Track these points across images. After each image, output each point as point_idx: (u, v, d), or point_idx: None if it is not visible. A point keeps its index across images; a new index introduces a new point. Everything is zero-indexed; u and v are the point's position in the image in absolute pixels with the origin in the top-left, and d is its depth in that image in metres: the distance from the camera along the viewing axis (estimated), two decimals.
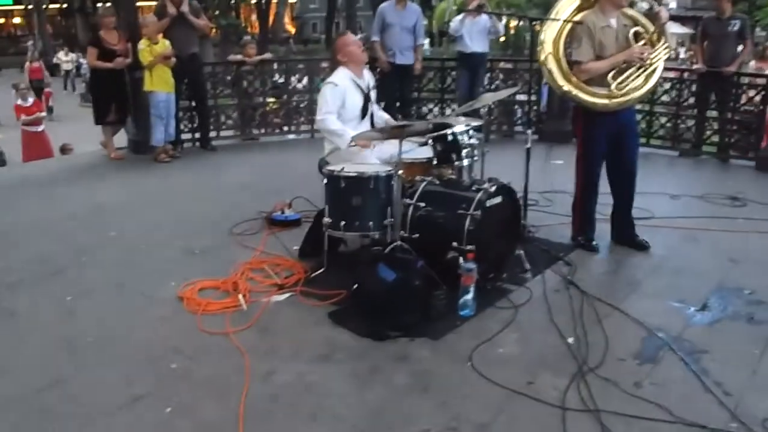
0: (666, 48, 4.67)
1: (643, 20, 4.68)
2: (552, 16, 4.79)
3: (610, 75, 4.55)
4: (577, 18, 4.68)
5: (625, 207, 4.92)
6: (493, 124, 9.26)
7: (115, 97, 7.95)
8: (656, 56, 4.60)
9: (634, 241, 4.92)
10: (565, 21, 4.71)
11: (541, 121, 8.95)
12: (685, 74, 8.27)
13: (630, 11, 4.71)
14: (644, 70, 4.59)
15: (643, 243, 4.89)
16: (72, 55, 29.15)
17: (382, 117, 5.15)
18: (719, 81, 7.80)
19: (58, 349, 3.51)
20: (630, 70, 4.57)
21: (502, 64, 9.74)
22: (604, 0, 4.56)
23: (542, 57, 4.75)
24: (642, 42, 4.59)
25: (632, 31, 4.60)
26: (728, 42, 7.83)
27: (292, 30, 48.93)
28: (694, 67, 8.15)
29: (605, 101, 4.59)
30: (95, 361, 3.39)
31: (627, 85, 4.57)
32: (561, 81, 4.70)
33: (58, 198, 6.44)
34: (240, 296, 4.01)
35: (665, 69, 4.84)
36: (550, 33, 4.75)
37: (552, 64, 4.72)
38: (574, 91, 4.65)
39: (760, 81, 7.76)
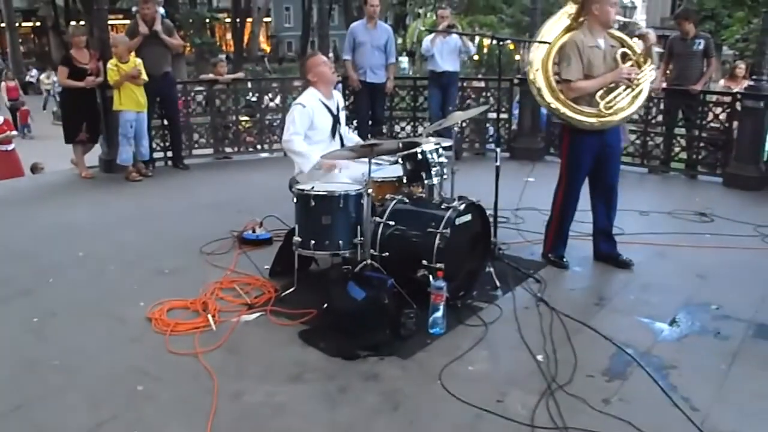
0: (652, 69, 4.72)
1: (629, 42, 4.71)
2: (540, 36, 4.82)
3: (599, 94, 4.59)
4: (566, 37, 4.69)
5: (604, 223, 4.96)
6: (465, 142, 9.34)
7: (86, 116, 7.90)
8: (643, 77, 4.66)
9: (616, 260, 4.95)
10: (538, 42, 4.75)
11: (512, 139, 9.03)
12: (652, 93, 8.38)
13: (617, 33, 4.74)
14: (631, 91, 4.64)
15: (626, 261, 4.92)
16: (54, 77, 28.93)
17: (352, 140, 5.16)
18: (686, 99, 7.94)
19: (23, 372, 3.45)
20: (618, 90, 4.61)
21: (474, 83, 9.84)
22: (592, 20, 4.59)
23: (531, 76, 4.78)
24: (629, 63, 4.63)
25: (620, 51, 4.63)
26: (694, 61, 8.00)
27: (267, 49, 48.98)
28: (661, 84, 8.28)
29: (593, 120, 4.62)
30: (60, 385, 3.33)
31: (615, 104, 4.61)
32: (549, 99, 4.71)
33: (27, 217, 6.36)
34: (209, 316, 3.98)
35: None
36: (538, 52, 4.78)
37: (541, 83, 4.74)
38: (562, 109, 4.67)
39: (727, 99, 7.88)
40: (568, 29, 4.77)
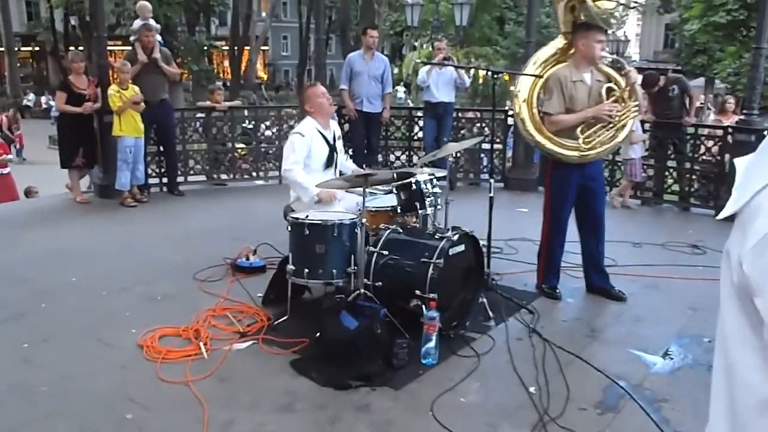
0: (636, 107, 4.76)
1: (617, 77, 4.75)
2: (529, 66, 4.89)
3: (579, 129, 4.64)
4: (551, 71, 4.77)
5: (594, 257, 4.97)
6: (460, 172, 9.38)
7: (83, 141, 7.92)
8: (624, 115, 4.70)
9: (609, 292, 4.95)
10: (529, 75, 4.82)
11: (506, 170, 9.08)
12: (646, 125, 8.45)
13: (605, 67, 4.79)
14: (612, 127, 4.68)
15: (618, 294, 4.92)
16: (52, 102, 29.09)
17: (348, 168, 5.21)
18: (677, 132, 8.02)
19: (11, 398, 3.43)
20: (597, 126, 4.66)
21: (468, 114, 9.91)
22: (578, 55, 4.67)
23: (516, 108, 4.85)
24: (612, 99, 4.68)
25: (605, 87, 4.69)
26: (674, 103, 8.16)
27: (265, 76, 49.24)
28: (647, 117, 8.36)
29: (573, 153, 4.67)
30: (49, 411, 3.31)
31: (594, 139, 4.66)
32: (533, 131, 4.79)
33: (20, 242, 6.34)
34: (201, 344, 3.96)
35: None
36: (524, 84, 4.85)
37: (525, 115, 4.81)
38: (544, 142, 4.74)
39: (719, 132, 7.96)
40: (557, 60, 4.85)
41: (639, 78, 4.90)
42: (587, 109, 4.65)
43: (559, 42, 4.92)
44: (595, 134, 4.66)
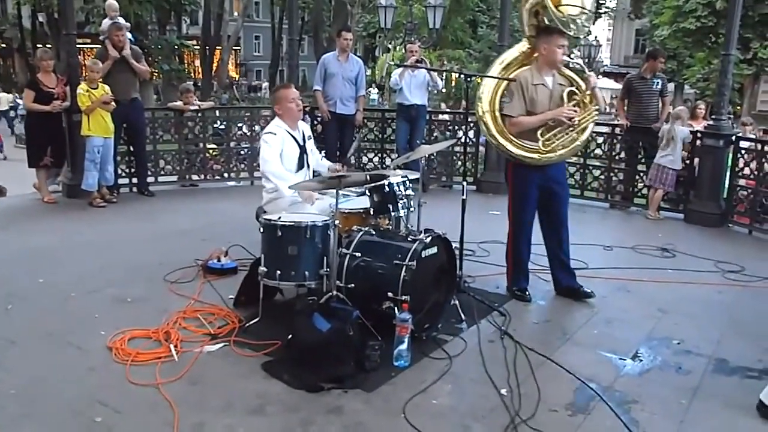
0: (596, 111, 4.82)
1: (579, 81, 4.82)
2: (497, 65, 4.93)
3: (539, 132, 4.68)
4: (514, 74, 4.82)
5: (560, 257, 5.02)
6: (433, 174, 9.39)
7: (51, 140, 7.81)
8: (584, 119, 4.76)
9: (576, 291, 5.00)
10: (499, 78, 4.85)
11: (479, 173, 9.12)
12: (616, 129, 8.53)
13: (567, 71, 4.87)
14: (572, 130, 4.73)
15: (586, 292, 4.98)
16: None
17: (323, 166, 5.21)
18: (648, 136, 8.10)
19: None
20: (558, 129, 4.71)
21: (441, 116, 9.93)
22: (540, 59, 4.73)
23: (479, 111, 4.89)
24: (573, 102, 4.73)
25: (567, 90, 4.75)
26: (652, 99, 8.22)
27: (236, 76, 48.94)
28: (621, 122, 8.44)
29: (533, 155, 4.73)
30: (17, 414, 3.25)
31: (553, 142, 4.71)
32: (495, 134, 4.83)
33: None
34: (171, 346, 3.92)
35: (598, 123, 4.98)
36: (487, 87, 4.90)
37: (488, 117, 4.85)
38: (506, 144, 4.79)
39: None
40: (521, 63, 4.91)
41: (598, 82, 4.97)
42: (547, 111, 4.70)
43: (523, 45, 4.99)
44: (555, 137, 4.72)
